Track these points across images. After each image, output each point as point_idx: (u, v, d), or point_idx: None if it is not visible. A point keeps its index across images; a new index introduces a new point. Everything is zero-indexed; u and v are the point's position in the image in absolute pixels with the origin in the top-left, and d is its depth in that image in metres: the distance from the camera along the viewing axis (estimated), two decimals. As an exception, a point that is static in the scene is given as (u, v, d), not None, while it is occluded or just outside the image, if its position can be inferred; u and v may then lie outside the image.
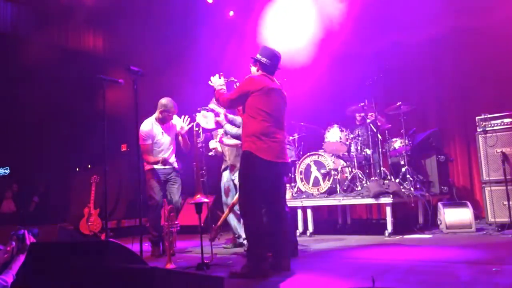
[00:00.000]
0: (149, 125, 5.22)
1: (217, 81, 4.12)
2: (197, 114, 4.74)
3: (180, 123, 5.33)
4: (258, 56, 3.93)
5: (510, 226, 5.32)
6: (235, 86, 4.30)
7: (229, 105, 4.10)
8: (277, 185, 3.88)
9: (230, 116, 4.78)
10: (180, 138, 5.37)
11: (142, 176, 5.16)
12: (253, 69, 4.00)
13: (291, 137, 6.63)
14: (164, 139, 5.27)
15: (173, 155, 5.36)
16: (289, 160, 4.04)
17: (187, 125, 5.21)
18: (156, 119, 5.27)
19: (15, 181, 8.80)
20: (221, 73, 4.17)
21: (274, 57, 3.93)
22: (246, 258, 3.75)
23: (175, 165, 5.35)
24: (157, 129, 5.26)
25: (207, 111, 4.76)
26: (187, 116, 5.21)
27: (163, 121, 5.27)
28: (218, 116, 4.76)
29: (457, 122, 7.60)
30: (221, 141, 5.12)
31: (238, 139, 4.61)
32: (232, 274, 3.65)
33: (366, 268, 3.69)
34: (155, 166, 5.22)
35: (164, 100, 5.23)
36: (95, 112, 7.03)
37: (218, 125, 4.87)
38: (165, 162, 5.19)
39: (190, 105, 6.55)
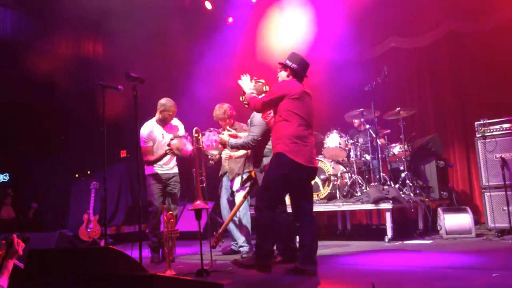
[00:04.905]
0: (150, 127, 5.15)
1: (247, 84, 4.24)
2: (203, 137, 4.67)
3: (181, 129, 5.26)
4: (288, 62, 4.00)
5: (510, 232, 5.30)
6: (264, 89, 4.43)
7: (261, 108, 4.11)
8: (305, 188, 3.95)
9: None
10: None
11: (142, 182, 5.13)
12: (283, 74, 4.04)
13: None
14: (165, 141, 5.14)
15: (174, 159, 5.26)
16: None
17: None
18: (157, 121, 5.20)
19: (11, 186, 8.79)
20: (255, 78, 4.25)
21: (304, 64, 4.02)
22: (255, 251, 3.87)
23: (176, 169, 5.31)
24: (158, 131, 5.17)
25: (210, 133, 4.69)
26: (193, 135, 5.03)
27: (164, 121, 5.19)
28: (219, 134, 4.77)
29: (456, 128, 7.60)
30: (230, 157, 5.15)
31: (244, 149, 4.64)
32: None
33: (366, 274, 3.69)
34: (158, 171, 5.15)
35: (163, 100, 5.17)
36: (94, 118, 7.05)
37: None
38: (171, 152, 5.01)
39: (191, 109, 6.53)
